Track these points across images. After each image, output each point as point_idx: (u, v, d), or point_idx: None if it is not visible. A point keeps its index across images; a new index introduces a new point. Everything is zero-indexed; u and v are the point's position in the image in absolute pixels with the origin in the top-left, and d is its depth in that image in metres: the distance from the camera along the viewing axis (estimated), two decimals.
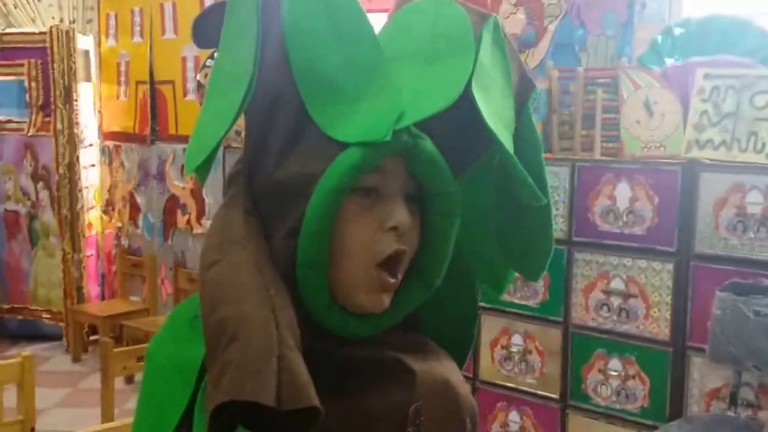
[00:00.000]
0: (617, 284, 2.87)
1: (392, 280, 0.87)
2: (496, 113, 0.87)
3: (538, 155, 0.94)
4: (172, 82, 5.17)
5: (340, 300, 0.87)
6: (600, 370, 2.92)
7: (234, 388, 0.73)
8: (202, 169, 0.87)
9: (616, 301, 2.87)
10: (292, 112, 0.85)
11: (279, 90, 0.86)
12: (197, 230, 5.08)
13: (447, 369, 0.96)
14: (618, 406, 2.88)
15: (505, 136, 0.88)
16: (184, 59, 5.05)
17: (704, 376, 2.69)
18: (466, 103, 0.85)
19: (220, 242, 0.85)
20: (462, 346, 1.02)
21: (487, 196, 0.97)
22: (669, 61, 3.14)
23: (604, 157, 2.95)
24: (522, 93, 0.94)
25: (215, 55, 0.94)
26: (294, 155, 0.85)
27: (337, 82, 0.84)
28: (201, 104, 5.08)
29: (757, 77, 2.70)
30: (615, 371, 2.89)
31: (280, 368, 0.75)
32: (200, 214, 5.06)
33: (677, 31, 3.15)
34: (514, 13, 3.57)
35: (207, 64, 4.57)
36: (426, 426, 0.90)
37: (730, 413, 2.57)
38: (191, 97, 5.03)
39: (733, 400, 2.57)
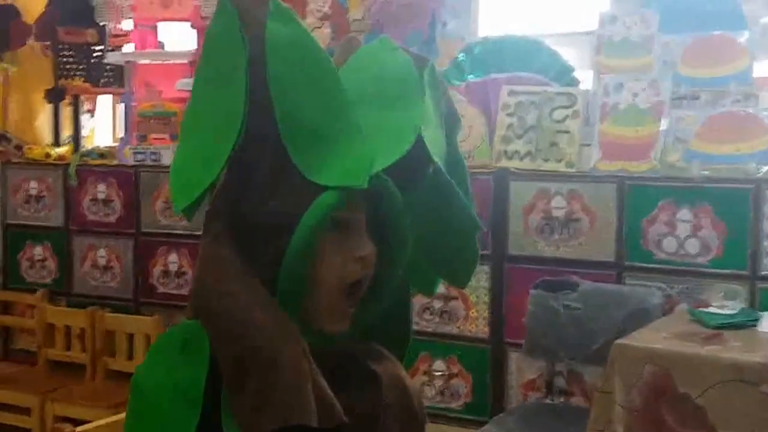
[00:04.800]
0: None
1: (352, 310, 1.01)
2: (436, 149, 1.01)
3: (465, 183, 1.09)
4: None
5: (312, 323, 0.99)
6: (425, 372, 3.07)
7: (284, 411, 0.87)
8: (191, 209, 0.96)
9: (437, 305, 3.03)
10: (274, 153, 0.95)
11: (263, 134, 0.94)
12: None
13: (397, 367, 1.09)
14: (443, 405, 3.04)
15: (442, 165, 1.02)
16: None
17: (521, 369, 2.90)
18: None
19: (221, 277, 0.94)
20: (401, 345, 1.14)
21: (419, 214, 1.07)
22: (470, 77, 3.35)
23: None
24: (450, 125, 1.09)
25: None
26: (277, 193, 0.95)
27: (313, 127, 0.95)
28: None
29: (555, 93, 2.97)
30: (439, 371, 3.04)
31: (314, 391, 0.90)
32: None
33: (476, 49, 3.37)
34: (320, 27, 3.65)
35: None
36: (390, 419, 1.04)
37: (548, 401, 2.79)
38: None
39: (549, 389, 2.80)
